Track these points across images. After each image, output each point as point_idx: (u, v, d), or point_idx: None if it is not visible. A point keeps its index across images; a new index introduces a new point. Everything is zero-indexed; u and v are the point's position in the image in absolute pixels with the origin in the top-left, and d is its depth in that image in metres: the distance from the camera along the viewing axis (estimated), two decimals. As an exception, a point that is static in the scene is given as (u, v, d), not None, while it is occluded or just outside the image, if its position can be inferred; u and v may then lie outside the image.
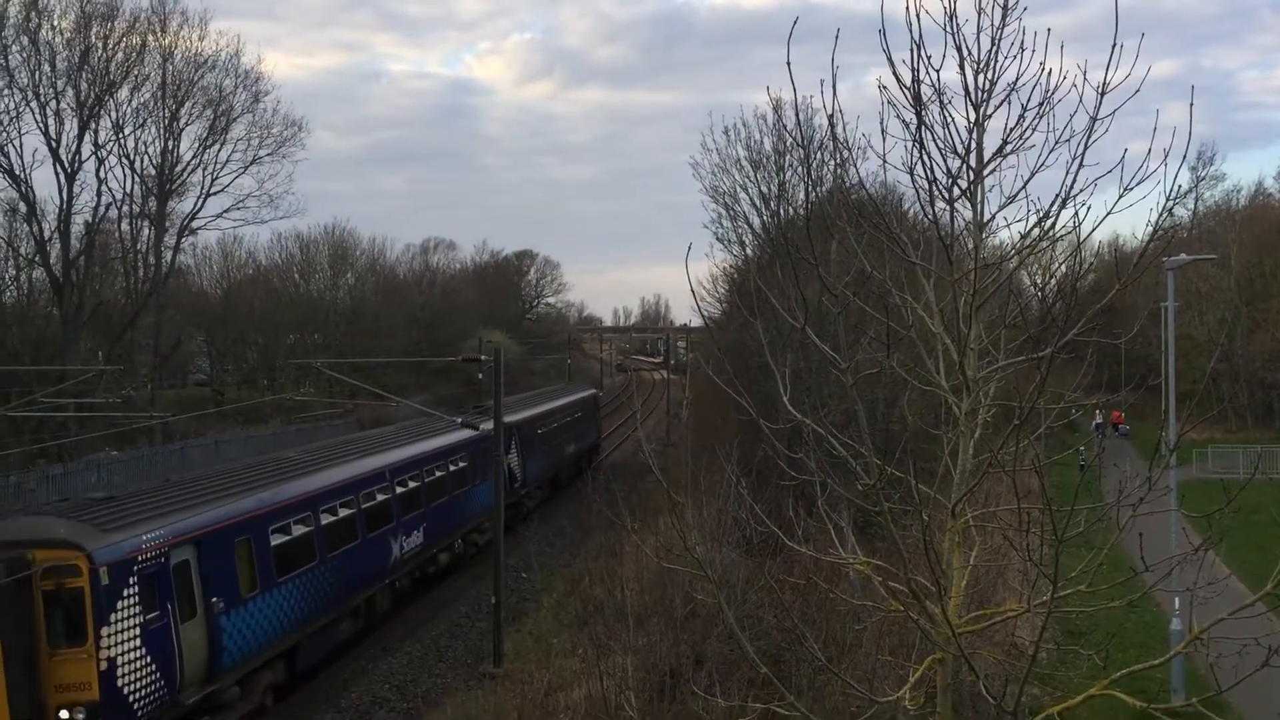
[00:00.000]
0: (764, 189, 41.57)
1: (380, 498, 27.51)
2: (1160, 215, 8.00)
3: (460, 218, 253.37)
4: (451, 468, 33.18)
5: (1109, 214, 8.25)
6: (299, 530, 22.98)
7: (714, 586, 11.69)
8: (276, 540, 21.94)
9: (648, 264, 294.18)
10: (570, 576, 31.54)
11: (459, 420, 36.45)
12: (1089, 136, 8.02)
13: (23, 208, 53.28)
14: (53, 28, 53.15)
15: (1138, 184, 7.94)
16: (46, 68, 52.97)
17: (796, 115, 13.22)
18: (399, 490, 28.73)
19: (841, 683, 9.92)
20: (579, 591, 28.06)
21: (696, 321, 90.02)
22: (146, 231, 60.07)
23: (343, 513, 25.22)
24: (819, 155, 32.31)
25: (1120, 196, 8.06)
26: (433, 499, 31.09)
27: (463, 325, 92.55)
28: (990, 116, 8.43)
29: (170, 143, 58.89)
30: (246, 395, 69.77)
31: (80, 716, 16.44)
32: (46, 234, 53.72)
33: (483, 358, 39.11)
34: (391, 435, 33.82)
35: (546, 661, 24.00)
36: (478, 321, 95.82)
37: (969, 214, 8.70)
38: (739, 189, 42.96)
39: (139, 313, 58.41)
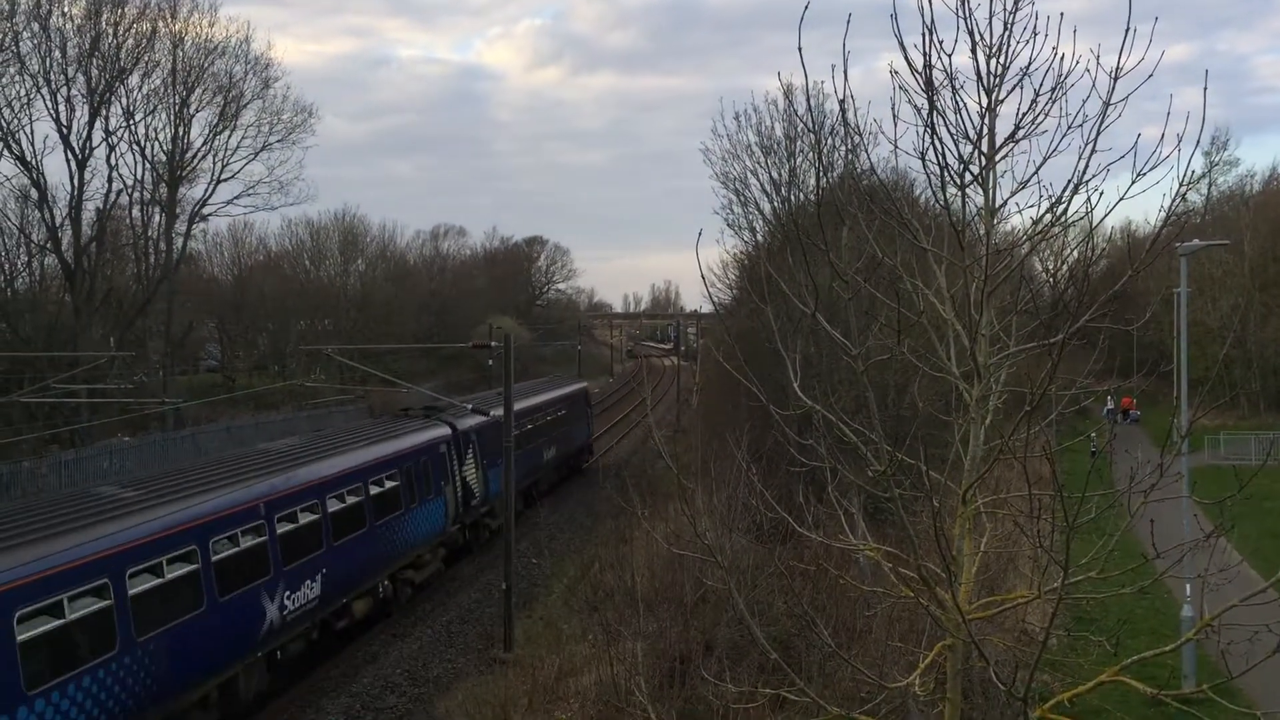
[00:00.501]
0: (775, 175, 41.53)
1: (249, 542, 20.31)
2: (1173, 201, 7.96)
3: (470, 204, 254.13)
4: (374, 489, 26.07)
5: (1121, 199, 8.22)
6: (83, 608, 15.70)
7: (724, 572, 11.70)
8: (31, 629, 14.68)
9: (658, 250, 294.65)
10: (581, 562, 31.60)
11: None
12: (1102, 122, 7.98)
13: (34, 194, 53.49)
14: (63, 14, 53.33)
15: (1151, 169, 7.90)
16: (57, 54, 53.14)
17: (808, 100, 13.21)
18: (281, 529, 21.46)
19: (851, 668, 9.94)
20: (589, 577, 28.12)
21: (707, 308, 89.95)
22: (157, 218, 60.32)
23: (176, 571, 17.96)
24: (830, 141, 32.25)
25: (1133, 182, 8.03)
26: (341, 534, 23.98)
27: (473, 312, 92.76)
28: (1002, 102, 8.39)
29: (181, 129, 59.11)
30: (258, 381, 69.98)
31: None
32: (58, 220, 53.91)
33: (493, 344, 39.16)
34: (288, 451, 25.56)
35: (557, 647, 24.07)
36: (488, 308, 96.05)
37: (981, 200, 8.66)
38: (749, 175, 42.93)
39: (150, 299, 58.58)
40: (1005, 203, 8.70)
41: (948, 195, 8.42)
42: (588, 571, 29.03)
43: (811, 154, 38.90)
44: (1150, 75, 7.89)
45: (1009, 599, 9.25)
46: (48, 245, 54.57)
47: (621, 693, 17.91)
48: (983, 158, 8.48)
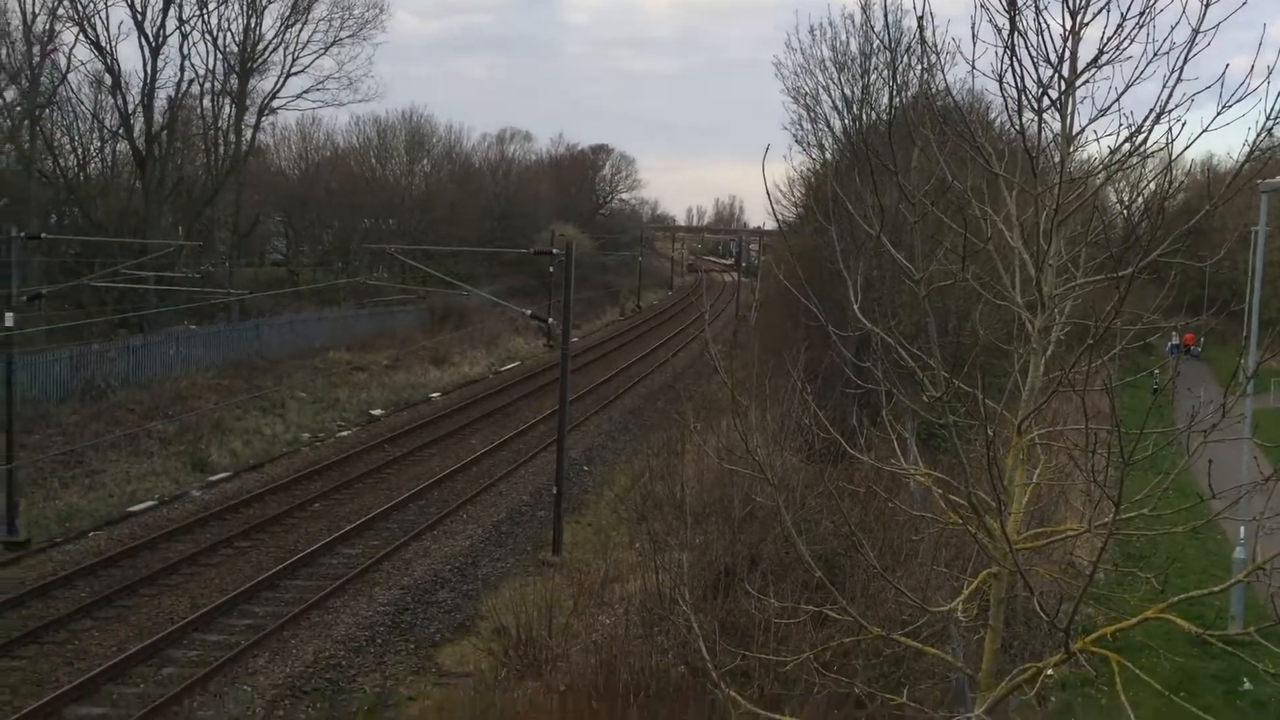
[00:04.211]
0: (847, 92, 40.81)
1: None
2: (1258, 135, 7.70)
3: (538, 108, 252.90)
4: None
5: (1204, 131, 7.95)
6: None
7: (773, 489, 11.75)
8: None
9: (724, 163, 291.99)
10: (631, 472, 31.90)
11: None
12: (1190, 49, 7.70)
13: (108, 80, 53.86)
14: (140, -101, 53.02)
15: (1237, 101, 7.63)
16: (133, -61, 52.98)
17: (885, 16, 12.90)
18: None
19: (895, 591, 9.99)
20: (639, 487, 28.40)
21: (770, 225, 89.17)
22: (227, 109, 60.52)
23: None
24: (906, 59, 31.55)
25: (1218, 114, 7.76)
26: None
27: (536, 217, 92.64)
28: (1087, 25, 8.12)
29: (253, 20, 58.94)
30: (321, 277, 70.69)
31: None
32: (130, 107, 54.27)
33: (554, 251, 39.14)
34: None
35: (604, 553, 24.45)
36: (551, 214, 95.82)
37: (1057, 126, 8.44)
38: (821, 91, 42.22)
39: (219, 190, 59.10)
40: (1083, 130, 8.47)
41: (1023, 120, 8.21)
42: (637, 481, 29.31)
43: (886, 72, 38.18)
44: (1244, 2, 7.59)
45: (1058, 531, 9.21)
46: (120, 132, 55.02)
47: (666, 601, 18.18)
48: (1062, 82, 8.24)
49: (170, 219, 56.09)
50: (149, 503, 28.29)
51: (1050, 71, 8.20)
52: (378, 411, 42.34)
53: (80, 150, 55.72)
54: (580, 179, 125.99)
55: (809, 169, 45.18)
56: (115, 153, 57.25)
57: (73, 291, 40.84)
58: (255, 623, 20.53)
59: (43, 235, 35.63)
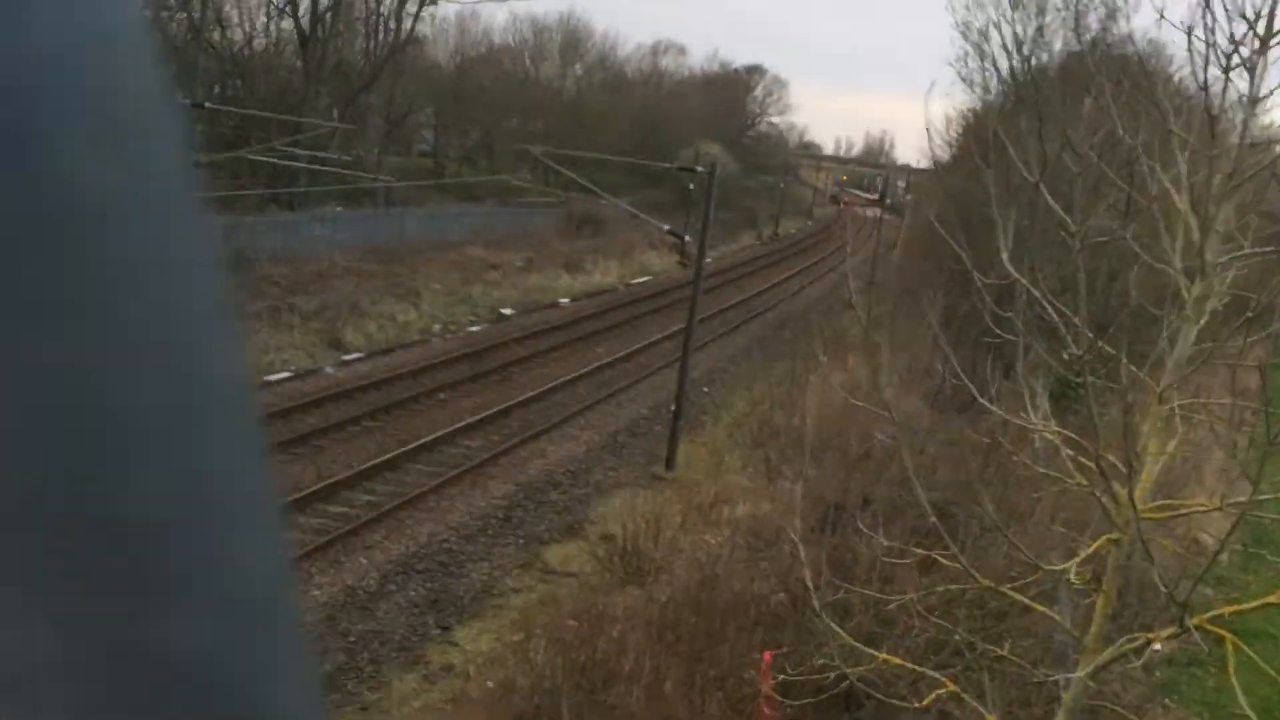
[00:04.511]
0: (1019, 31, 39.39)
1: None
2: None
3: (695, 19, 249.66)
4: None
5: (1404, 107, 7.53)
6: None
7: (897, 430, 11.67)
8: None
9: (878, 97, 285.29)
10: (750, 399, 31.91)
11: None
12: (1400, 17, 7.26)
13: (278, -43, 54.80)
14: None
15: None
16: None
17: (1071, -44, 12.33)
18: None
19: (1007, 546, 9.88)
20: (757, 414, 28.43)
21: (921, 163, 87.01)
22: (390, -5, 61.12)
23: None
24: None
25: None
26: None
27: (683, 133, 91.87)
28: (1291, -19, 7.70)
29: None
30: (466, 172, 71.47)
31: None
32: (297, -14, 55.19)
33: (698, 169, 38.87)
34: None
35: (716, 475, 24.60)
36: (698, 132, 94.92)
37: (1244, 87, 8.06)
38: (992, 28, 40.86)
39: (376, 76, 59.98)
40: (1270, 94, 8.08)
41: (1208, 77, 7.85)
42: (756, 408, 29.33)
43: (1064, 12, 36.71)
44: None
45: (1187, 505, 8.98)
46: (286, 9, 56.15)
47: (773, 528, 18.28)
48: (1256, 40, 7.85)
49: (326, 101, 57.19)
50: (285, 374, 29.35)
51: (1244, 28, 7.82)
52: (508, 310, 43.00)
53: (247, 25, 57.08)
54: (731, 99, 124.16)
55: (969, 109, 43.99)
56: (280, 30, 58.48)
57: (229, 163, 42.13)
58: (375, 500, 21.28)
59: (206, 105, 36.75)
